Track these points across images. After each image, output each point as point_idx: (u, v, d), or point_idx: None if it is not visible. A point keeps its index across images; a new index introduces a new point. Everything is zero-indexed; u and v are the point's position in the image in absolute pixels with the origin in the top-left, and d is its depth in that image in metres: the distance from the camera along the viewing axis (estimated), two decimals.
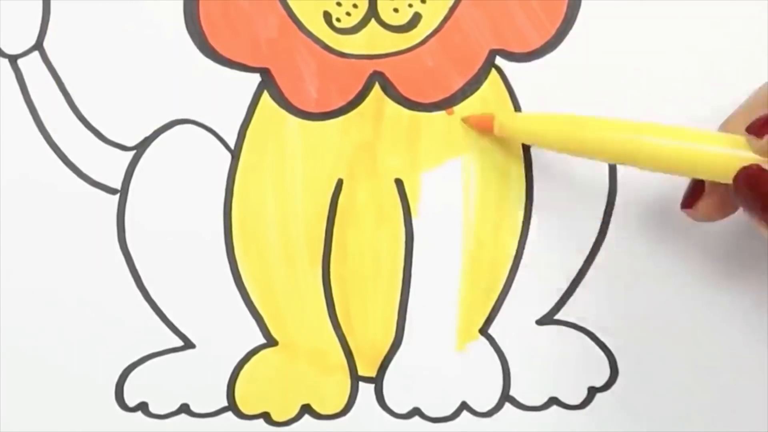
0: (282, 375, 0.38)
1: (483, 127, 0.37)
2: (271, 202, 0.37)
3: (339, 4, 0.36)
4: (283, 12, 0.37)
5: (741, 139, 0.32)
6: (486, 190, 0.38)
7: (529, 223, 0.38)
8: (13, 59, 0.37)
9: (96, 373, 0.38)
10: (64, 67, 0.37)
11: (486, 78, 0.37)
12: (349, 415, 0.38)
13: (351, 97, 0.37)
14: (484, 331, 0.38)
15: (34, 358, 0.38)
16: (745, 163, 0.31)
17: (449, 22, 0.37)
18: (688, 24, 0.37)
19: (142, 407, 0.38)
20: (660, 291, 0.38)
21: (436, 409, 0.39)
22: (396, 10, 0.36)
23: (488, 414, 0.38)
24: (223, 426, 0.38)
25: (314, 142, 0.37)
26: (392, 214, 0.38)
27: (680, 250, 0.38)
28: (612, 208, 0.38)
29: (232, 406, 0.38)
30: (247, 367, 0.38)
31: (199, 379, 0.38)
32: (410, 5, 0.36)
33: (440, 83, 0.37)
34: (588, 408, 0.38)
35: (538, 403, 0.39)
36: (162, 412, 0.38)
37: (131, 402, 0.38)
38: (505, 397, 0.38)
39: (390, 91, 0.37)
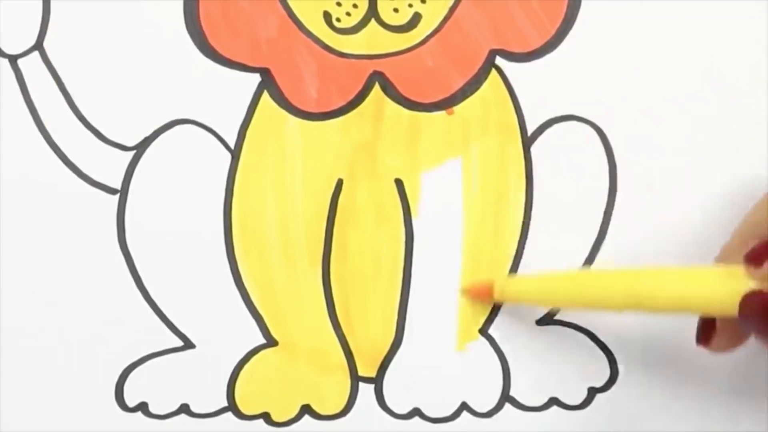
0: (282, 375, 0.38)
1: (482, 295, 0.37)
2: (271, 202, 0.37)
3: (339, 4, 0.36)
4: (283, 12, 0.37)
5: (740, 270, 0.31)
6: (486, 190, 0.38)
7: (529, 223, 0.38)
8: (13, 59, 0.37)
9: (96, 373, 0.38)
10: (64, 67, 0.37)
11: (486, 78, 0.37)
12: (349, 415, 0.38)
13: (351, 97, 0.37)
14: (484, 331, 0.38)
15: (34, 358, 0.38)
16: (747, 291, 0.30)
17: (449, 22, 0.37)
18: (688, 24, 0.37)
19: (142, 407, 0.38)
20: None
21: (436, 409, 0.38)
22: (396, 10, 0.36)
23: (488, 414, 0.38)
24: (223, 426, 0.38)
25: (314, 142, 0.37)
26: (392, 214, 0.38)
27: (680, 250, 0.38)
28: (612, 209, 0.38)
29: (232, 407, 0.38)
30: (247, 367, 0.38)
31: (199, 379, 0.38)
32: (410, 5, 0.37)
33: (440, 83, 0.37)
34: (588, 408, 0.38)
35: (538, 403, 0.39)
36: (162, 413, 0.38)
37: (131, 402, 0.38)
38: (505, 397, 0.38)
39: (390, 91, 0.37)
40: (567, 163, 0.37)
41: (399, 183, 0.38)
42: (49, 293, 0.37)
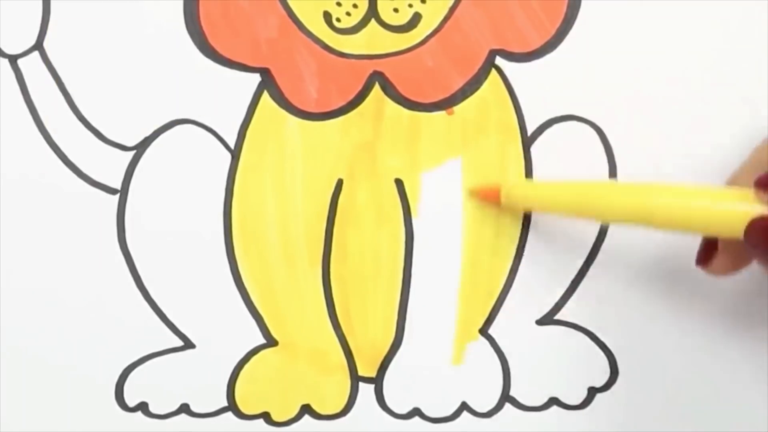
0: (282, 375, 0.38)
1: (490, 198, 0.37)
2: (271, 202, 0.37)
3: (339, 4, 0.36)
4: (283, 12, 0.37)
5: (749, 192, 0.31)
6: None
7: (529, 223, 0.38)
8: (13, 59, 0.37)
9: (96, 373, 0.38)
10: (64, 67, 0.37)
11: (486, 78, 0.37)
12: (349, 415, 0.38)
13: (351, 97, 0.37)
14: (484, 331, 0.38)
15: (34, 358, 0.38)
16: (756, 216, 0.31)
17: (449, 22, 0.37)
18: (688, 24, 0.37)
19: (142, 407, 0.38)
20: (660, 291, 0.38)
21: (436, 409, 0.38)
22: (396, 10, 0.36)
23: (488, 414, 0.38)
24: (223, 426, 0.38)
25: (314, 142, 0.37)
26: (392, 214, 0.38)
27: (681, 250, 0.38)
28: None
29: (232, 406, 0.38)
30: (247, 367, 0.38)
31: (199, 379, 0.38)
32: (410, 5, 0.36)
33: (440, 83, 0.37)
34: (588, 408, 0.38)
35: (538, 403, 0.39)
36: (162, 412, 0.38)
37: (131, 402, 0.38)
38: (505, 397, 0.38)
39: (390, 91, 0.37)
40: (567, 163, 0.37)
41: (399, 183, 0.38)
42: (49, 293, 0.37)
